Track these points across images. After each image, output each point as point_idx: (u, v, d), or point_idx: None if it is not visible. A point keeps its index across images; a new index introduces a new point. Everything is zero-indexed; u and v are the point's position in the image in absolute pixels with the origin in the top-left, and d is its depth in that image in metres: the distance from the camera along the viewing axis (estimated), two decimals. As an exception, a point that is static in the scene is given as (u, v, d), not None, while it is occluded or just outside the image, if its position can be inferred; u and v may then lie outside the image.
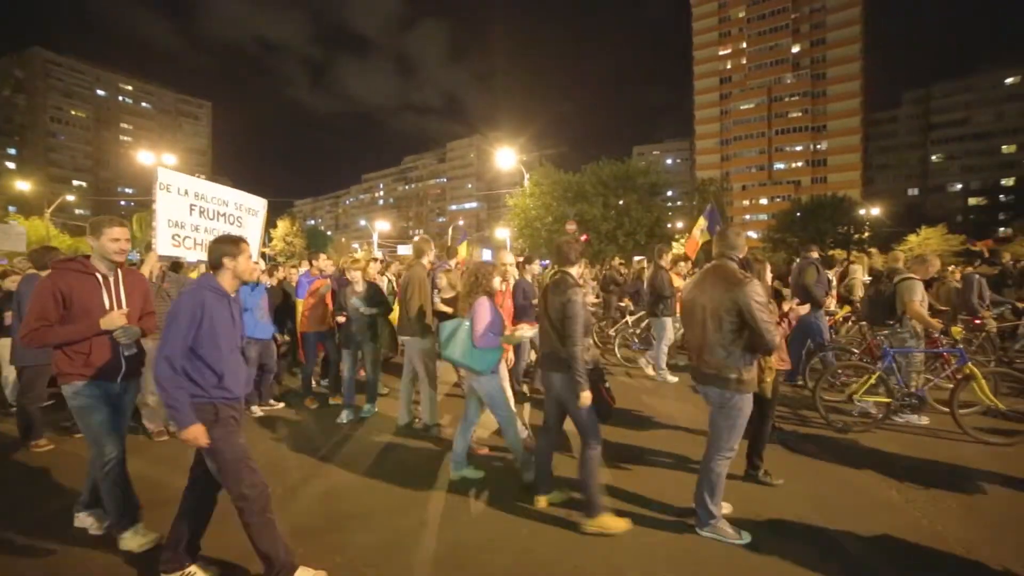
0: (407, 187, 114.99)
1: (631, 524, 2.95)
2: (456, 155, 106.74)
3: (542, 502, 3.23)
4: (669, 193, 42.14)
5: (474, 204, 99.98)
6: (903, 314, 4.81)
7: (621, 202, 33.85)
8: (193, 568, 2.46)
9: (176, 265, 5.17)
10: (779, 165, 70.50)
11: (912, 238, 40.91)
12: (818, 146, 67.88)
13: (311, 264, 6.29)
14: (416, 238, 5.61)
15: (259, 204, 5.33)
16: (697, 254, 11.46)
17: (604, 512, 2.95)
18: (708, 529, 2.90)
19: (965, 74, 66.89)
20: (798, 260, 6.87)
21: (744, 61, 72.81)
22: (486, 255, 16.14)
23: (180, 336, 2.29)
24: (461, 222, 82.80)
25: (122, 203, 75.70)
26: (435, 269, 5.40)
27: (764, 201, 68.50)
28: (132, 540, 2.72)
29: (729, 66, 74.79)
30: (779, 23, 69.82)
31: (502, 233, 34.52)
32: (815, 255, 6.46)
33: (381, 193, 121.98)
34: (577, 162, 40.69)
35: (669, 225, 38.03)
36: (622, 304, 10.04)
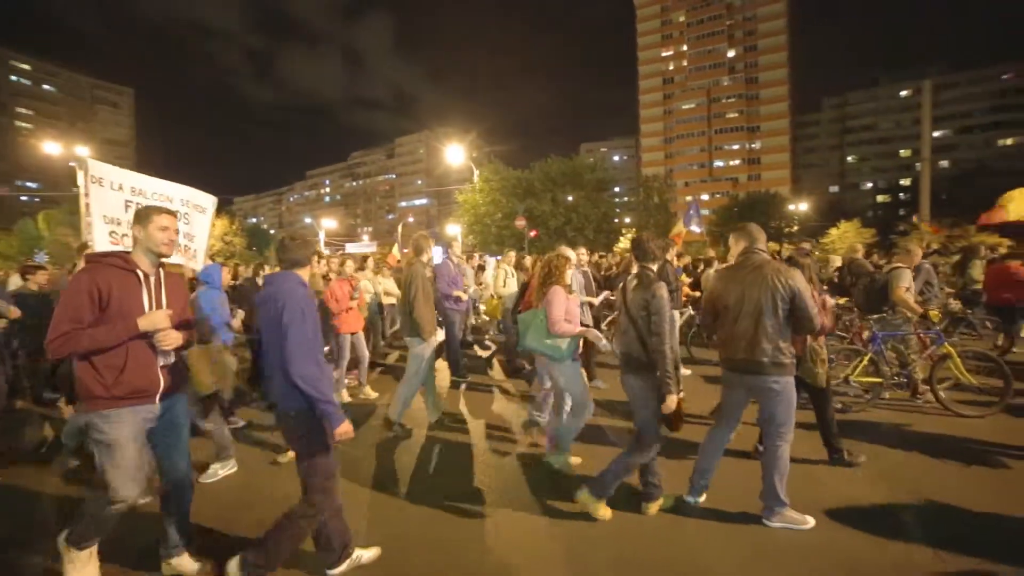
0: (354, 183, 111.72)
1: (612, 513, 3.01)
2: (405, 151, 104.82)
3: (652, 509, 3.10)
4: (616, 189, 43.37)
5: (424, 200, 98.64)
6: (894, 300, 5.14)
7: (570, 198, 34.60)
8: (356, 551, 2.59)
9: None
10: (718, 163, 74.35)
11: (833, 231, 44.33)
12: (753, 145, 72.22)
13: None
14: (415, 235, 5.48)
15: (207, 201, 4.99)
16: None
17: (603, 501, 3.01)
18: (777, 518, 2.91)
19: (871, 85, 73.76)
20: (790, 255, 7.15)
21: (685, 63, 76.08)
22: (437, 253, 15.93)
23: (311, 333, 2.31)
24: (411, 219, 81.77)
25: (23, 198, 68.19)
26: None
27: (705, 197, 71.98)
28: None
29: (671, 67, 77.91)
30: (716, 28, 73.49)
31: (453, 229, 34.40)
32: (807, 246, 6.84)
33: (327, 190, 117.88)
34: (526, 159, 41.26)
35: (616, 220, 39.26)
36: (612, 297, 10.17)
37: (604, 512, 3.01)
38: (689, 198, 14.09)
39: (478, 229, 32.44)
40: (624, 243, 36.60)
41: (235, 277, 8.33)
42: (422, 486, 3.57)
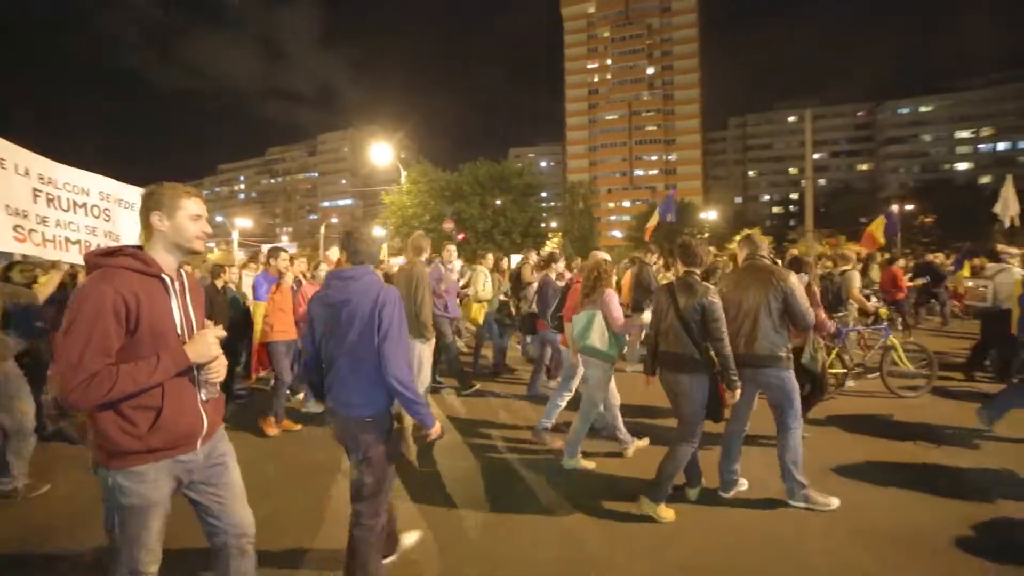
0: (273, 181, 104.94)
1: (673, 516, 3.07)
2: (328, 148, 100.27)
3: (692, 494, 3.33)
4: (543, 194, 44.56)
5: (348, 201, 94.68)
6: (847, 299, 5.77)
7: (498, 202, 35.06)
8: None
9: (9, 267, 4.07)
10: (639, 172, 78.97)
11: (737, 238, 48.82)
12: (669, 157, 77.61)
13: (269, 263, 5.29)
14: (415, 234, 5.26)
15: (135, 195, 4.41)
16: (652, 235, 13.73)
17: (663, 502, 3.10)
18: (799, 499, 3.14)
19: (766, 109, 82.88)
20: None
21: (609, 77, 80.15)
22: (283, 259, 15.47)
23: (405, 338, 2.24)
24: (334, 220, 78.27)
25: None
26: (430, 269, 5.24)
27: (627, 204, 76.10)
28: None
29: (596, 80, 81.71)
30: (637, 46, 78.18)
31: (379, 231, 33.54)
32: (796, 252, 7.44)
33: (242, 186, 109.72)
34: (455, 161, 41.23)
35: (544, 224, 40.31)
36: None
37: (667, 513, 3.07)
38: (672, 191, 15.40)
39: (405, 232, 31.89)
40: (551, 247, 37.73)
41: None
42: (462, 496, 3.44)
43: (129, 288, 1.56)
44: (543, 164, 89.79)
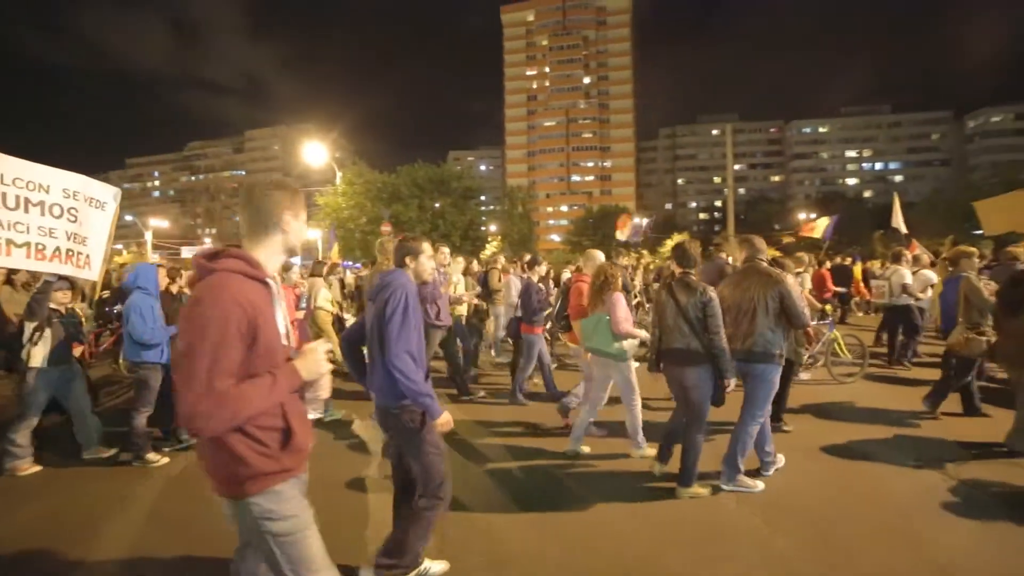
0: (193, 178, 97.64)
1: (708, 492, 3.33)
2: (257, 145, 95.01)
3: (657, 468, 3.63)
4: (483, 197, 44.90)
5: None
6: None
7: (437, 205, 34.97)
8: (425, 563, 2.42)
9: None
10: (576, 177, 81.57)
11: (668, 242, 51.70)
12: (605, 164, 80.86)
13: None
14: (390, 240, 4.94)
15: (107, 193, 4.05)
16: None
17: (696, 482, 3.32)
18: (733, 484, 3.38)
19: (692, 122, 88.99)
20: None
21: (547, 84, 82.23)
22: (295, 259, 15.00)
23: (413, 329, 2.23)
24: (265, 220, 73.99)
25: None
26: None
27: (564, 208, 78.33)
28: None
29: (535, 86, 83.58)
30: (574, 56, 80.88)
31: (313, 234, 32.37)
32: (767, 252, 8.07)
33: (156, 183, 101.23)
34: (393, 163, 40.67)
35: (483, 228, 40.64)
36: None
37: (701, 491, 3.33)
38: (639, 220, 16.76)
39: (341, 234, 31.01)
40: (491, 249, 38.15)
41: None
42: (484, 495, 3.40)
43: (247, 297, 1.40)
44: (483, 168, 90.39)
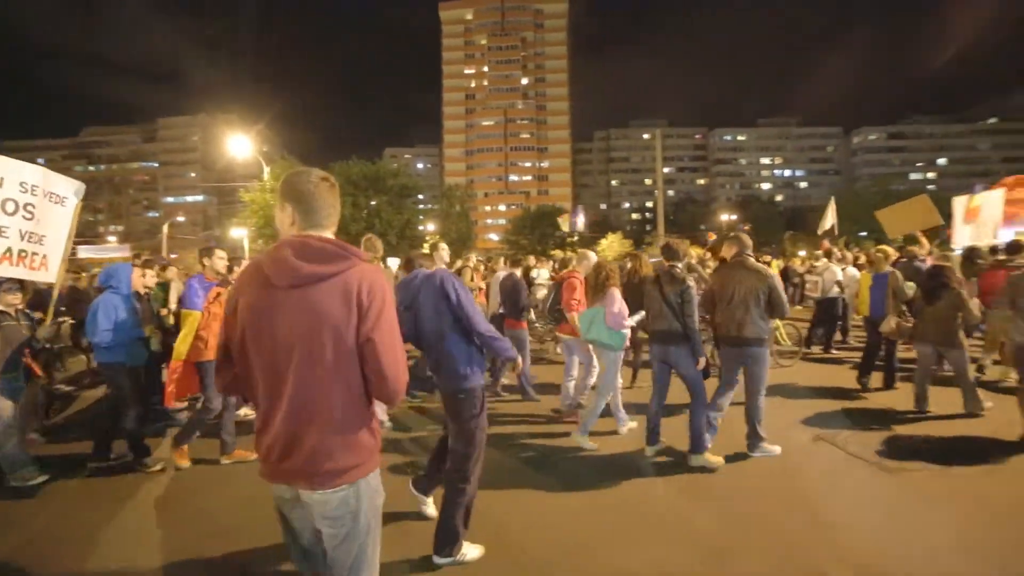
0: (92, 168, 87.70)
1: (723, 461, 3.72)
2: (172, 135, 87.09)
3: (650, 452, 3.96)
4: (420, 196, 44.26)
5: (199, 197, 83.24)
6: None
7: (373, 203, 34.06)
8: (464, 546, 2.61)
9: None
10: (513, 177, 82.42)
11: (603, 241, 53.68)
12: (542, 164, 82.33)
13: (203, 264, 4.35)
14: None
15: (68, 188, 3.70)
16: None
17: (706, 450, 3.70)
18: (759, 450, 3.92)
19: (625, 126, 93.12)
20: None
21: (486, 83, 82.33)
22: (220, 258, 14.07)
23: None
24: (181, 218, 68.28)
25: None
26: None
27: (502, 207, 78.96)
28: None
29: (473, 85, 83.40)
30: (512, 57, 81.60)
31: (238, 232, 30.41)
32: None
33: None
34: (326, 159, 39.06)
35: (421, 228, 40.08)
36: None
37: (716, 459, 3.75)
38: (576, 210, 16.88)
39: (269, 232, 29.38)
40: (427, 248, 37.70)
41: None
42: (516, 482, 3.62)
43: None
44: (420, 166, 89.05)
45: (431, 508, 2.96)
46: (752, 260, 3.99)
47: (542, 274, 8.75)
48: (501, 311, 6.11)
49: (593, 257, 5.01)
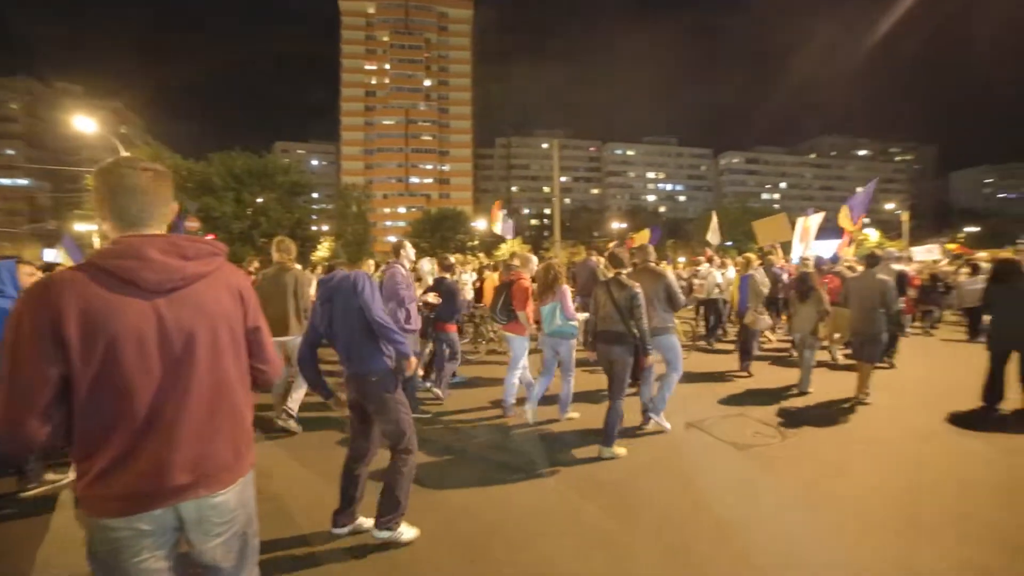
0: None
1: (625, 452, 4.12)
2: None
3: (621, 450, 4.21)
4: (315, 195, 41.49)
5: (25, 181, 66.97)
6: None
7: (260, 200, 31.19)
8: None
9: None
10: (414, 179, 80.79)
11: (503, 246, 54.83)
12: (443, 167, 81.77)
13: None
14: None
15: None
16: None
17: (615, 444, 4.09)
18: (657, 416, 4.66)
19: (527, 135, 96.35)
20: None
21: (387, 81, 79.66)
22: (74, 253, 11.92)
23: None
24: None
25: None
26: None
27: (402, 209, 77.02)
28: None
29: (374, 82, 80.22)
30: (416, 56, 80.00)
31: (85, 227, 25.88)
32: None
33: None
34: (204, 149, 34.81)
35: (315, 228, 37.60)
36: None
37: (620, 451, 4.11)
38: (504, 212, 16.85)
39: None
40: (323, 251, 35.44)
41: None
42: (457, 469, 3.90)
43: None
44: (315, 163, 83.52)
45: (366, 521, 2.93)
46: (654, 265, 4.85)
47: (464, 277, 8.96)
48: (431, 315, 6.03)
49: (535, 260, 5.61)
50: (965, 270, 10.62)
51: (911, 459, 4.02)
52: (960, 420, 4.87)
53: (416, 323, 4.92)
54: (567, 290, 4.82)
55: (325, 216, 43.75)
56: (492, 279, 8.78)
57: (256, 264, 8.76)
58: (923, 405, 5.37)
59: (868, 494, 3.41)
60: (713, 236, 14.52)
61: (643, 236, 15.35)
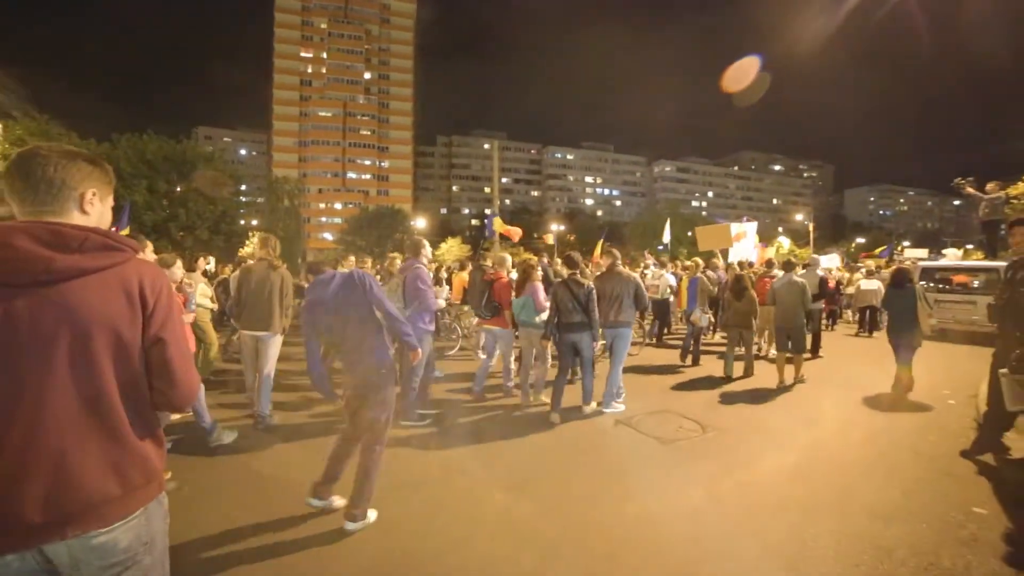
0: None
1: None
2: None
3: (556, 417, 4.96)
4: (243, 187, 38.88)
5: None
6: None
7: (179, 189, 28.75)
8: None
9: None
10: (351, 174, 77.86)
11: (443, 245, 54.26)
12: (382, 164, 79.41)
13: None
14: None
15: None
16: None
17: (593, 402, 5.18)
18: (611, 408, 5.22)
19: (467, 134, 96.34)
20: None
21: (324, 70, 76.01)
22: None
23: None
24: None
25: None
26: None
27: (338, 206, 74.08)
28: None
29: (310, 70, 76.27)
30: (355, 47, 77.01)
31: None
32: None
33: None
34: (109, 129, 31.42)
35: (243, 222, 35.26)
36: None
37: (619, 406, 5.27)
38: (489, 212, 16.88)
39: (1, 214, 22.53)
40: (250, 248, 33.28)
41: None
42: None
43: None
44: (243, 152, 78.36)
45: (338, 500, 3.10)
46: (622, 267, 5.64)
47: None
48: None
49: (509, 259, 6.32)
50: (858, 276, 12.33)
51: (810, 444, 4.52)
52: (869, 403, 5.74)
53: (433, 324, 5.47)
54: (539, 286, 5.50)
55: (254, 210, 41.18)
56: (460, 277, 9.40)
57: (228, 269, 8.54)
58: (832, 394, 6.19)
59: (772, 479, 3.76)
60: (667, 239, 16.38)
61: (598, 249, 16.18)
